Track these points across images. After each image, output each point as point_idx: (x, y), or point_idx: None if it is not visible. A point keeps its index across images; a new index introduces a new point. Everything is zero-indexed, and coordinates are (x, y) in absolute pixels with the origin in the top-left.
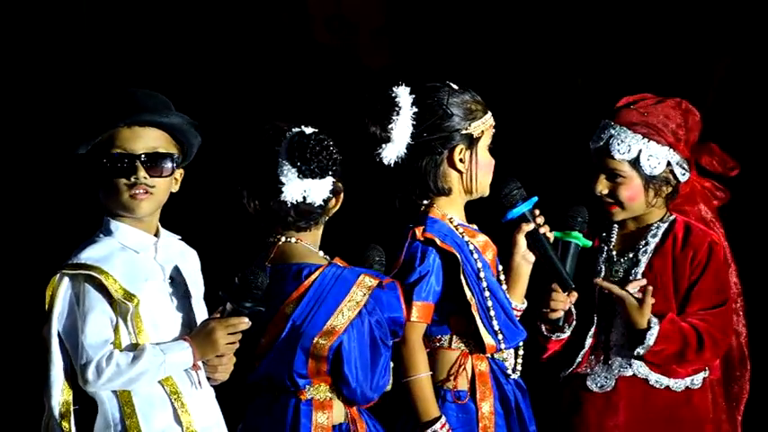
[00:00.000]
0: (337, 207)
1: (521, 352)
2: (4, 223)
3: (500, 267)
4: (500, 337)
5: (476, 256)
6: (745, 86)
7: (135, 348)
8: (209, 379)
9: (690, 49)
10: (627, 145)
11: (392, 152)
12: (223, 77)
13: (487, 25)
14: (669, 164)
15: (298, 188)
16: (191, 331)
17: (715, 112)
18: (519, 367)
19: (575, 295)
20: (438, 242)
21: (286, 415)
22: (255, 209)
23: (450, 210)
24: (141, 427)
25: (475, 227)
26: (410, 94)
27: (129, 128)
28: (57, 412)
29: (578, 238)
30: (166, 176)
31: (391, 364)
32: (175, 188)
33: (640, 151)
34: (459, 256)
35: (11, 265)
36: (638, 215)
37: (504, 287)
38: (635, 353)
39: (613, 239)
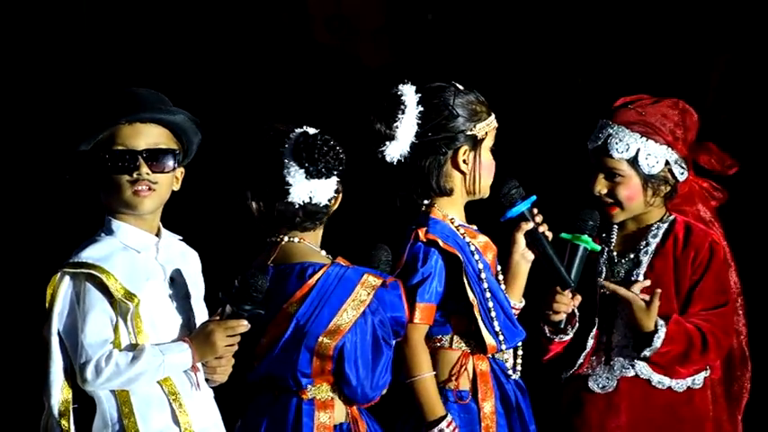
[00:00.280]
0: (336, 205)
1: (520, 352)
2: (4, 223)
3: (499, 267)
4: (501, 337)
5: (477, 257)
6: (744, 85)
7: (134, 348)
8: (207, 381)
9: (689, 48)
10: (625, 144)
11: (396, 150)
12: (223, 77)
13: (488, 25)
14: (667, 163)
15: (305, 189)
16: (190, 332)
17: (715, 111)
18: (519, 367)
19: (578, 298)
20: (441, 243)
21: (287, 414)
22: (260, 210)
23: (450, 210)
24: (139, 427)
25: (475, 227)
26: (416, 93)
27: (130, 125)
28: (56, 411)
29: (587, 242)
30: (168, 172)
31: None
32: (176, 186)
33: (638, 150)
34: (461, 257)
35: (11, 264)
36: (637, 215)
37: (503, 287)
38: (641, 355)
39: (613, 240)
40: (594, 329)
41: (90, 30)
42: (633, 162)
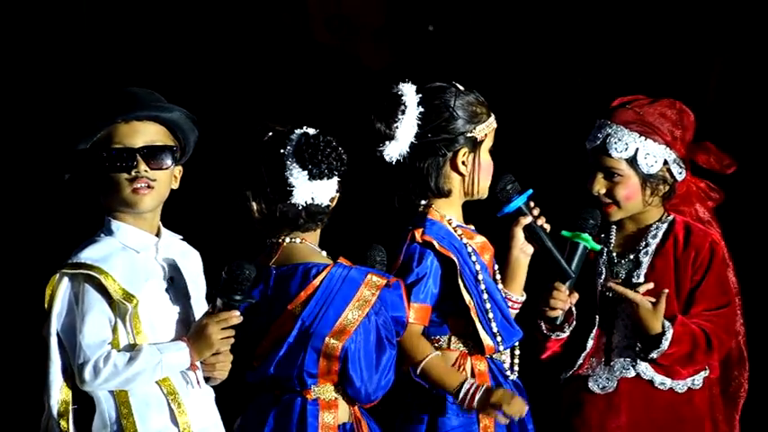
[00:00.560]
0: (333, 205)
1: (517, 352)
2: (4, 223)
3: (496, 267)
4: (498, 338)
5: (474, 258)
6: (743, 84)
7: (133, 349)
8: (208, 380)
9: (688, 48)
10: (624, 143)
11: (395, 150)
12: (223, 77)
13: (488, 25)
14: (666, 162)
15: (307, 190)
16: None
17: (714, 110)
18: (516, 367)
19: (575, 296)
20: (436, 245)
21: (292, 414)
22: (261, 211)
23: (448, 211)
24: (138, 427)
25: (472, 227)
26: (416, 93)
27: (127, 123)
28: (55, 411)
29: (587, 241)
30: (166, 169)
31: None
32: (175, 185)
33: (637, 150)
34: (456, 260)
35: (11, 265)
36: (635, 216)
37: (501, 286)
38: (648, 357)
39: (612, 241)
40: (595, 330)
41: (89, 30)
42: (632, 161)
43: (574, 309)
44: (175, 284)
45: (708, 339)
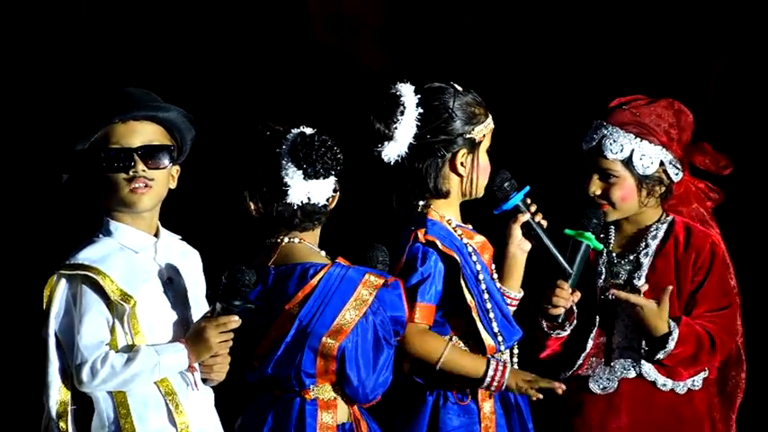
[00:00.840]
0: (334, 204)
1: (515, 350)
2: (4, 223)
3: (493, 266)
4: (500, 338)
5: (474, 258)
6: (743, 85)
7: (131, 350)
8: (205, 381)
9: (688, 48)
10: (619, 145)
11: (393, 151)
12: (223, 77)
13: (487, 24)
14: (662, 163)
15: (303, 189)
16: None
17: (714, 111)
18: (515, 366)
19: (578, 294)
20: (439, 245)
21: (290, 414)
22: (258, 211)
23: (447, 211)
24: (136, 427)
25: (470, 227)
26: (415, 93)
27: (124, 123)
28: (54, 412)
29: (590, 240)
30: (164, 169)
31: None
32: (173, 185)
33: (633, 151)
34: (459, 259)
35: (10, 265)
36: (633, 216)
37: (499, 285)
38: (655, 358)
39: (612, 241)
40: (594, 330)
41: (88, 30)
42: (627, 163)
43: (575, 307)
44: (174, 285)
45: (711, 340)
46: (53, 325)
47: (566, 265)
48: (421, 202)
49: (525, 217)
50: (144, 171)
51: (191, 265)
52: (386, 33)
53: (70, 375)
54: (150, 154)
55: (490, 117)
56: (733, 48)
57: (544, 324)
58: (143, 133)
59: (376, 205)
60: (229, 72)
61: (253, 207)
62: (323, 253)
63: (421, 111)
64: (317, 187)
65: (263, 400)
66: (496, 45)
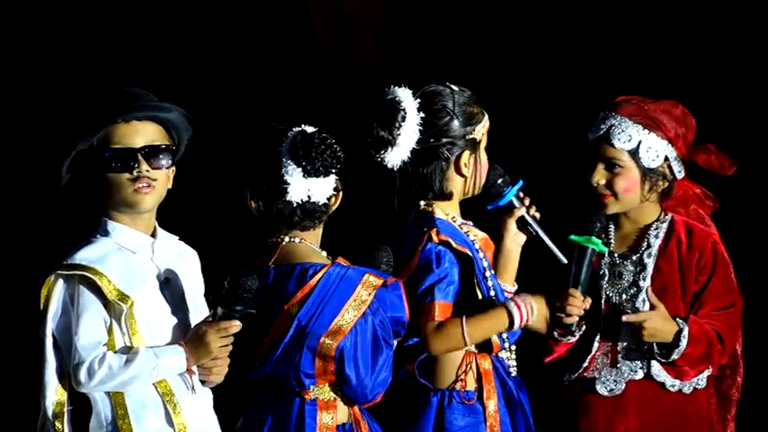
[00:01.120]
0: (337, 204)
1: (513, 347)
2: (4, 223)
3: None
4: (504, 335)
5: (481, 254)
6: (744, 85)
7: (129, 350)
8: (203, 382)
9: (689, 48)
10: (627, 134)
11: (397, 157)
12: (223, 77)
13: (487, 23)
14: (667, 159)
15: (302, 187)
16: (187, 332)
17: (715, 111)
18: (515, 363)
19: (589, 300)
20: (453, 244)
21: (290, 414)
22: (259, 210)
23: (450, 209)
24: (133, 427)
25: (471, 223)
26: (413, 97)
27: (126, 123)
28: (50, 413)
29: (597, 244)
30: (166, 169)
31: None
32: (169, 185)
33: (640, 142)
34: (472, 256)
35: (8, 265)
36: (632, 215)
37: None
38: (670, 359)
39: (612, 241)
40: (599, 332)
41: (88, 29)
42: (634, 153)
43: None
44: (171, 285)
45: (720, 338)
46: (50, 325)
47: (560, 256)
48: (422, 202)
49: (521, 212)
50: (148, 171)
51: (189, 265)
52: (386, 33)
53: (67, 376)
54: (153, 154)
55: (486, 115)
56: (735, 48)
57: (556, 332)
58: (145, 133)
59: (379, 206)
60: (229, 72)
61: (254, 205)
62: (324, 253)
63: (422, 115)
64: (317, 185)
65: (264, 401)
66: (496, 45)
